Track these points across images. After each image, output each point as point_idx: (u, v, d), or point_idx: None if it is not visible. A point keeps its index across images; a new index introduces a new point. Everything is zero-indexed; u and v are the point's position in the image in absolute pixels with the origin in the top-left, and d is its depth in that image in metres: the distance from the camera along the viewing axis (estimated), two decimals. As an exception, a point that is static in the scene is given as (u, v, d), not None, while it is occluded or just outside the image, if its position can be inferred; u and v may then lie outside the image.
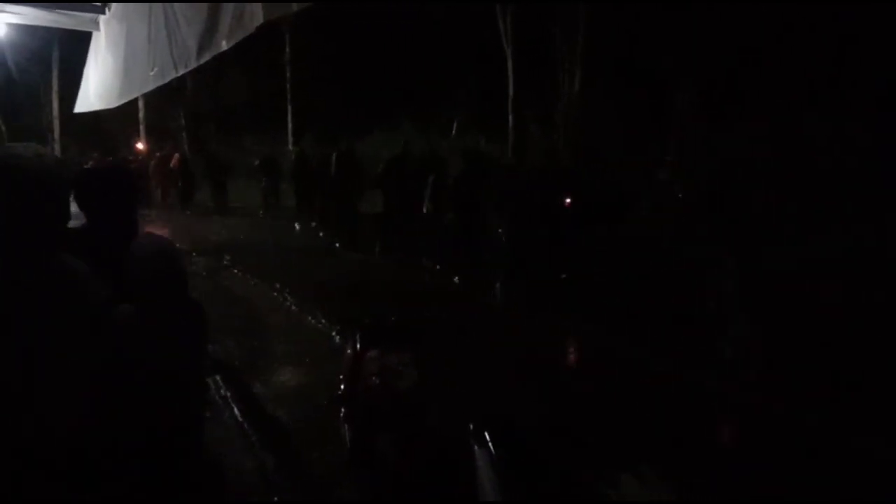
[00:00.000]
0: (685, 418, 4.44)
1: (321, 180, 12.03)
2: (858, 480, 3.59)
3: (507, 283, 7.46)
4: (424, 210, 9.03)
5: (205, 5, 4.99)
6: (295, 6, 4.92)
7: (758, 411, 4.63)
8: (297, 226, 13.65)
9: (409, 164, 10.25)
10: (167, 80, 6.31)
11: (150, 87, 6.86)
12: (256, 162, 16.30)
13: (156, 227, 13.87)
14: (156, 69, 6.31)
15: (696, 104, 11.50)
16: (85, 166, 3.89)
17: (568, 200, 7.61)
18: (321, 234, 12.16)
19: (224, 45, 4.89)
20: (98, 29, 7.58)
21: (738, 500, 3.37)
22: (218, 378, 4.98)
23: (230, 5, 4.70)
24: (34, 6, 7.07)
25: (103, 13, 7.26)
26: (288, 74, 22.50)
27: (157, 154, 19.62)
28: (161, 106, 22.56)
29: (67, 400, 1.69)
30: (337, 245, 11.05)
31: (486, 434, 2.59)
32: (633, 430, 4.09)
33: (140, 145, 21.35)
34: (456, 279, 8.26)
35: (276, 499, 3.40)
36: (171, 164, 18.14)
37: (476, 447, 2.59)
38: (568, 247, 7.49)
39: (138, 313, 2.11)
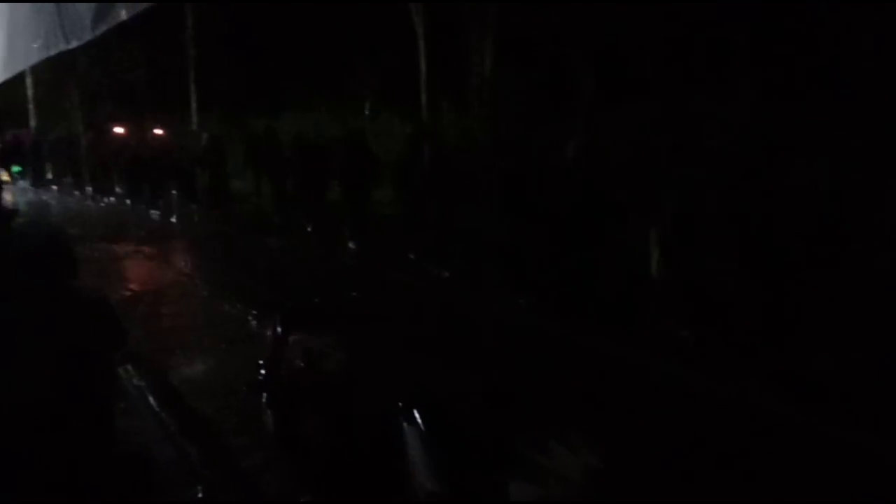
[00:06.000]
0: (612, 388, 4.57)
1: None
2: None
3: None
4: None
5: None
6: None
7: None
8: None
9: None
10: (53, 53, 5.88)
11: (33, 60, 6.39)
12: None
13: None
14: (40, 41, 5.89)
15: (597, 87, 11.80)
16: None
17: None
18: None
19: (123, 15, 4.57)
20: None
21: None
22: (129, 367, 4.80)
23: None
24: None
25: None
26: (191, 52, 21.56)
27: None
28: (54, 82, 21.20)
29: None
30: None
31: (416, 411, 2.62)
32: (561, 400, 4.15)
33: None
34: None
35: (200, 492, 3.30)
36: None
37: (406, 425, 2.61)
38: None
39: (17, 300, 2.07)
